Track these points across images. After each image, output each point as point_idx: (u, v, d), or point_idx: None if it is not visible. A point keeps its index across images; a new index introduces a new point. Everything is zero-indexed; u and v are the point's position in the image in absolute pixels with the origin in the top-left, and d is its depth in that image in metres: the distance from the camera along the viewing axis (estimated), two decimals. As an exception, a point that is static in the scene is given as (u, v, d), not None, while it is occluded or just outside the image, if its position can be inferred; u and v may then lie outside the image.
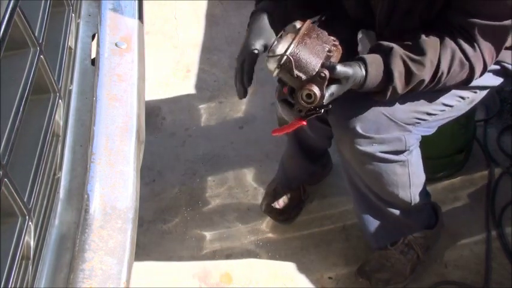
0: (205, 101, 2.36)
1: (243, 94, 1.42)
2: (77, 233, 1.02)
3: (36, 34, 1.05)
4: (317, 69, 1.21)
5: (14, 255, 0.87)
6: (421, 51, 1.29)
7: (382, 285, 1.72)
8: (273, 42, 1.26)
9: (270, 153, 2.14)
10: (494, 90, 1.61)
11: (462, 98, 1.49)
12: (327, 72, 1.21)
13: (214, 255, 1.87)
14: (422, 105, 1.45)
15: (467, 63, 1.32)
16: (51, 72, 1.10)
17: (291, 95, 1.27)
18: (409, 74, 1.30)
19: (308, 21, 1.29)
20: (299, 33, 1.24)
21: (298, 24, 1.28)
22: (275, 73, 1.24)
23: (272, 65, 1.23)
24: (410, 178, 1.54)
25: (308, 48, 1.23)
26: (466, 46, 1.30)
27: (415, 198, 1.60)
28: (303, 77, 1.22)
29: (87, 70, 1.33)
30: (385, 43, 1.32)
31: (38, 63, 1.03)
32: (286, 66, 1.21)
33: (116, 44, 1.32)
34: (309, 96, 1.23)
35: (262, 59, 1.32)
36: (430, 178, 1.82)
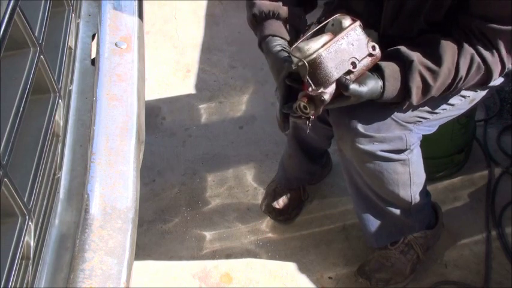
0: (205, 101, 2.36)
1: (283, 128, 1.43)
2: (77, 233, 1.02)
3: (36, 34, 1.05)
4: (328, 85, 1.23)
5: (14, 255, 0.87)
6: (439, 61, 1.29)
7: (382, 285, 1.72)
8: (311, 32, 1.28)
9: (270, 153, 2.14)
10: (494, 90, 1.62)
11: (463, 96, 1.49)
12: (326, 98, 1.24)
13: (214, 255, 1.87)
14: (423, 104, 1.45)
15: (483, 67, 1.32)
16: (51, 72, 1.10)
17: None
18: (426, 87, 1.31)
19: (356, 24, 1.27)
20: (337, 37, 1.24)
21: (346, 22, 1.27)
22: (294, 67, 1.27)
23: (294, 60, 1.25)
24: (411, 177, 1.54)
25: (334, 59, 1.23)
26: (484, 51, 1.30)
27: (416, 198, 1.60)
28: (312, 86, 1.24)
29: (87, 70, 1.33)
30: (406, 52, 1.30)
31: (38, 63, 1.04)
32: (302, 69, 1.23)
33: (116, 44, 1.32)
34: (305, 107, 1.26)
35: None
36: (430, 178, 1.82)
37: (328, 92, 1.24)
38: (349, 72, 1.26)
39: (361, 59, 1.27)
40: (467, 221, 1.88)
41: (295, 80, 1.31)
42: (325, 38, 1.25)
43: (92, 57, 1.36)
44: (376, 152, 1.44)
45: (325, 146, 1.84)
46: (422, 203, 1.64)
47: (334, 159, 2.00)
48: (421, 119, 1.47)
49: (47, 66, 1.08)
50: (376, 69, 1.30)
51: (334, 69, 1.24)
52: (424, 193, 1.65)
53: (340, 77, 1.24)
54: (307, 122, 1.30)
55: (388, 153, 1.46)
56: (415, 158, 1.52)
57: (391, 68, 1.30)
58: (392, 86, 1.30)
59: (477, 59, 1.30)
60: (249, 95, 2.37)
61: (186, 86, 2.43)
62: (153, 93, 2.38)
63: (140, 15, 1.44)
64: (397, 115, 1.42)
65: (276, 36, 1.42)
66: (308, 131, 1.68)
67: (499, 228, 1.84)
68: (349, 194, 1.68)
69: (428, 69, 1.29)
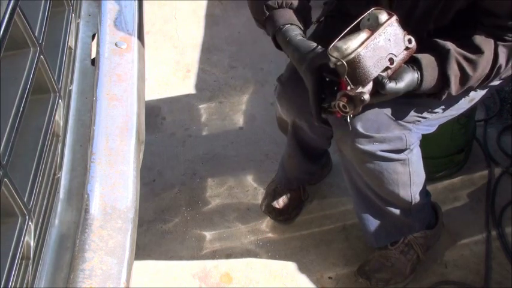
0: (205, 101, 2.36)
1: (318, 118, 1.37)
2: (77, 233, 1.02)
3: (36, 34, 1.05)
4: (366, 83, 1.23)
5: (14, 255, 0.87)
6: (477, 50, 1.30)
7: (382, 285, 1.72)
8: (351, 27, 1.26)
9: (270, 153, 2.14)
10: (494, 90, 1.62)
11: (463, 96, 1.49)
12: (366, 98, 1.22)
13: (214, 255, 1.87)
14: (422, 104, 1.45)
15: None
16: (51, 72, 1.10)
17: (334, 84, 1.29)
18: (465, 76, 1.31)
19: (393, 18, 1.26)
20: (374, 34, 1.23)
21: (383, 17, 1.25)
22: (331, 64, 1.25)
23: (332, 60, 1.24)
24: (411, 177, 1.54)
25: (372, 57, 1.23)
26: None
27: (416, 198, 1.60)
28: (351, 86, 1.23)
29: (87, 70, 1.33)
30: (441, 42, 1.31)
31: (38, 63, 1.03)
32: (341, 68, 1.23)
33: (116, 44, 1.32)
34: (344, 107, 1.25)
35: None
36: (430, 178, 1.82)
37: (367, 91, 1.24)
38: (386, 68, 1.26)
39: (398, 54, 1.27)
40: (467, 221, 1.88)
41: (331, 72, 1.29)
42: (362, 35, 1.24)
43: (92, 57, 1.36)
44: (375, 152, 1.44)
45: (325, 146, 1.84)
46: (422, 203, 1.64)
47: (334, 159, 2.00)
48: (421, 119, 1.47)
49: (47, 66, 1.08)
50: (412, 61, 1.30)
51: (373, 67, 1.23)
52: (424, 193, 1.65)
53: (377, 75, 1.24)
54: (347, 119, 1.29)
55: (388, 153, 1.46)
56: (415, 157, 1.52)
57: (427, 59, 1.30)
58: (431, 76, 1.30)
59: None
60: (249, 95, 2.37)
61: (186, 86, 2.43)
62: (153, 93, 2.38)
63: (140, 15, 1.44)
64: (396, 115, 1.42)
65: (294, 24, 1.39)
66: (309, 133, 1.68)
67: (499, 228, 1.84)
68: (349, 194, 1.68)
69: (466, 58, 1.30)
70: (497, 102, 2.19)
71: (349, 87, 1.24)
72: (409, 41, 1.27)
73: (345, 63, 1.21)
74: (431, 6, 1.32)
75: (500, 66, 1.33)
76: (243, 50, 2.54)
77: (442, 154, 1.93)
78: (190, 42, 2.62)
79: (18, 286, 0.88)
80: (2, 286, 0.82)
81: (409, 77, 1.28)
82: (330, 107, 1.30)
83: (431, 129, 1.55)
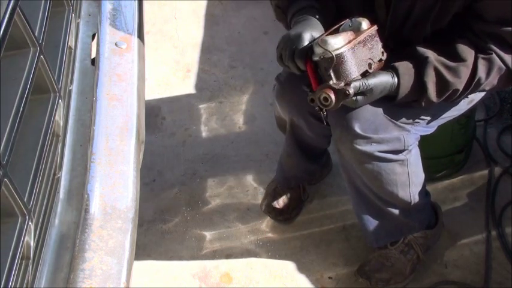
0: (205, 101, 2.36)
1: (297, 70, 1.35)
2: (77, 233, 1.02)
3: (36, 34, 1.05)
4: (347, 81, 1.26)
5: (14, 255, 0.87)
6: (456, 58, 1.31)
7: (382, 285, 1.71)
8: (332, 30, 1.30)
9: (270, 153, 2.14)
10: (494, 90, 1.61)
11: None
12: (351, 92, 1.25)
13: (214, 255, 1.87)
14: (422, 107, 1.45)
15: (505, 68, 1.33)
16: (51, 72, 1.10)
17: (314, 79, 1.30)
18: (443, 83, 1.33)
19: (374, 27, 1.32)
20: (359, 38, 1.28)
21: (365, 25, 1.31)
22: (316, 58, 1.27)
23: (318, 51, 1.26)
24: (409, 177, 1.54)
25: (356, 57, 1.27)
26: (503, 54, 1.31)
27: (415, 198, 1.60)
28: (334, 80, 1.26)
29: (87, 70, 1.33)
30: (421, 50, 1.34)
31: (38, 63, 1.04)
32: (328, 61, 1.25)
33: (116, 44, 1.32)
34: (325, 99, 1.27)
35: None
36: (430, 178, 1.82)
37: (353, 87, 1.26)
38: (366, 72, 1.30)
39: (374, 62, 1.32)
40: (467, 221, 1.88)
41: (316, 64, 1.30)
42: (349, 35, 1.28)
43: (92, 57, 1.36)
44: (374, 152, 1.44)
45: (323, 145, 1.84)
46: (422, 203, 1.64)
47: (334, 159, 2.00)
48: (419, 120, 1.47)
49: (47, 66, 1.08)
50: (390, 68, 1.34)
51: (356, 67, 1.27)
52: (424, 193, 1.65)
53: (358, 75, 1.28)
54: (322, 113, 1.32)
55: (386, 154, 1.46)
56: (414, 158, 1.52)
57: (404, 66, 1.33)
58: (407, 82, 1.33)
59: (497, 61, 1.32)
60: (249, 95, 2.37)
61: (186, 86, 2.43)
62: (153, 93, 2.38)
63: (140, 15, 1.44)
64: (394, 116, 1.42)
65: (315, 9, 1.40)
66: (307, 132, 1.69)
67: (499, 228, 1.84)
68: (348, 194, 1.68)
69: (444, 65, 1.31)
70: (497, 102, 2.19)
71: (331, 82, 1.26)
72: (383, 54, 1.33)
73: (334, 55, 1.23)
74: (429, 8, 1.32)
75: (479, 79, 1.33)
76: (243, 50, 2.54)
77: (442, 154, 1.93)
78: (190, 42, 2.62)
79: (18, 286, 0.88)
80: (2, 286, 0.82)
81: (384, 78, 1.31)
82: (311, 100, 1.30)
83: (430, 130, 1.55)
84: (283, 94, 1.62)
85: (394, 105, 1.40)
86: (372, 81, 1.30)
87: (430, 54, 1.32)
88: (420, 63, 1.33)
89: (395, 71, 1.33)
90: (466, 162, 2.03)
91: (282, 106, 1.67)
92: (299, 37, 1.31)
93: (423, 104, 1.37)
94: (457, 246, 1.83)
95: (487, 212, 1.89)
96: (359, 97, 1.31)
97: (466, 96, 1.46)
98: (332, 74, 1.26)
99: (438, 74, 1.32)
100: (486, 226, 1.86)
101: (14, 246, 0.87)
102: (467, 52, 1.32)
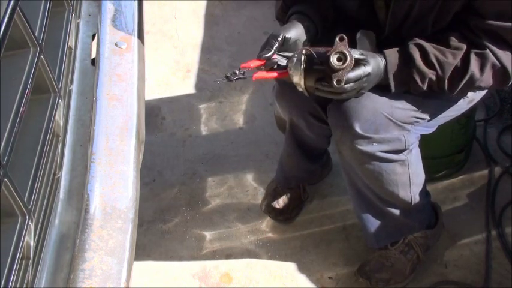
0: (205, 101, 2.36)
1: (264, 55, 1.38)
2: (77, 233, 1.02)
3: (36, 34, 1.05)
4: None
5: (14, 255, 0.87)
6: (445, 43, 1.33)
7: (382, 285, 1.71)
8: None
9: (270, 153, 2.14)
10: (494, 90, 1.62)
11: (461, 97, 1.49)
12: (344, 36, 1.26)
13: (214, 255, 1.87)
14: (421, 105, 1.45)
15: (499, 65, 1.33)
16: (51, 72, 1.10)
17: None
18: (427, 55, 1.33)
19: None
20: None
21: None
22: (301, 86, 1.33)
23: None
24: (410, 177, 1.54)
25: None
26: (497, 50, 1.31)
27: (415, 198, 1.60)
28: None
29: (87, 70, 1.33)
30: (410, 40, 1.36)
31: (38, 63, 1.04)
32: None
33: (116, 44, 1.32)
34: (339, 59, 1.27)
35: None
36: (430, 178, 1.82)
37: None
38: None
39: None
40: (467, 221, 1.88)
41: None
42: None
43: (92, 57, 1.36)
44: (375, 152, 1.44)
45: (323, 145, 1.84)
46: (422, 203, 1.64)
47: (334, 159, 2.00)
48: (419, 120, 1.47)
49: (47, 66, 1.08)
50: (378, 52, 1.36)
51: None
52: (424, 193, 1.65)
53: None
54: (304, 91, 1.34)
55: (387, 154, 1.46)
56: (414, 158, 1.52)
57: (390, 50, 1.36)
58: (394, 59, 1.35)
59: (491, 56, 1.31)
60: (249, 95, 2.37)
61: (186, 86, 2.43)
62: (153, 93, 2.38)
63: (140, 15, 1.44)
64: (395, 116, 1.42)
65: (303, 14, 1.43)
66: (307, 132, 1.69)
67: (499, 228, 1.84)
68: (348, 194, 1.68)
69: (433, 46, 1.33)
70: (497, 102, 2.19)
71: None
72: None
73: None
74: (429, 8, 1.32)
75: (473, 74, 1.33)
76: (243, 50, 2.54)
77: (442, 154, 1.93)
78: (190, 42, 2.62)
79: (18, 286, 0.88)
80: (2, 286, 0.82)
81: (375, 56, 1.33)
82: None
83: (430, 130, 1.55)
84: (282, 94, 1.62)
85: (392, 96, 1.40)
86: (368, 59, 1.31)
87: (418, 40, 1.34)
88: (405, 45, 1.35)
89: (381, 53, 1.35)
90: (466, 162, 2.03)
91: (282, 106, 1.67)
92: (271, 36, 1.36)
93: (418, 80, 1.35)
94: (457, 246, 1.83)
95: (487, 212, 1.89)
96: (357, 69, 1.29)
97: (465, 95, 1.46)
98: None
99: (423, 48, 1.33)
100: (486, 226, 1.86)
101: (14, 246, 0.87)
102: (458, 44, 1.32)
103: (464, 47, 1.32)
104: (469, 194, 1.96)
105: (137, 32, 1.38)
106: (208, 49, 2.58)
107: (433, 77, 1.34)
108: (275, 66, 1.37)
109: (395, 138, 1.44)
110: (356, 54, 1.29)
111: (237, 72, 1.35)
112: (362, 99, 1.40)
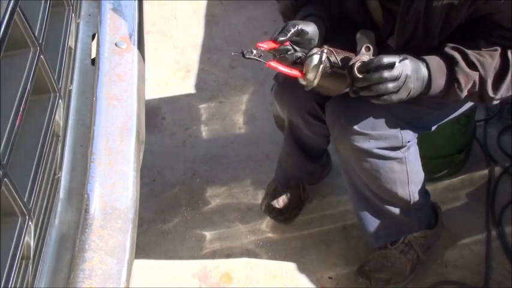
0: (205, 101, 2.36)
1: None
2: (77, 233, 1.02)
3: (36, 34, 1.05)
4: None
5: (14, 255, 0.87)
6: (479, 49, 1.31)
7: (382, 285, 1.72)
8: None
9: (270, 153, 2.14)
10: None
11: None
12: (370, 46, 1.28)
13: (214, 255, 1.87)
14: (419, 103, 1.45)
15: None
16: (51, 72, 1.10)
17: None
18: (467, 57, 1.30)
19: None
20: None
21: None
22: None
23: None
24: (408, 175, 1.54)
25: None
26: None
27: (414, 196, 1.60)
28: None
29: (87, 70, 1.33)
30: (449, 50, 1.32)
31: (38, 63, 1.04)
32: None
33: (116, 44, 1.32)
34: (367, 48, 1.28)
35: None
36: (430, 178, 1.82)
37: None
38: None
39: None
40: (467, 221, 1.88)
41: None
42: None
43: (92, 57, 1.36)
44: (372, 149, 1.44)
45: (322, 145, 1.84)
46: (422, 202, 1.64)
47: (334, 159, 2.00)
48: (417, 117, 1.47)
49: (47, 66, 1.08)
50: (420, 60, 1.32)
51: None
52: (423, 192, 1.65)
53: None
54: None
55: (384, 151, 1.46)
56: (412, 156, 1.52)
57: (431, 57, 1.32)
58: (435, 61, 1.31)
59: None
60: (249, 95, 2.37)
61: (186, 86, 2.43)
62: (153, 93, 2.38)
63: (140, 15, 1.44)
64: (392, 113, 1.43)
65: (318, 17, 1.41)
66: (306, 131, 1.68)
67: (499, 228, 1.84)
68: (348, 194, 1.68)
69: (470, 48, 1.30)
70: (497, 102, 2.19)
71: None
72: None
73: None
74: (432, 27, 1.32)
75: (504, 80, 1.31)
76: (243, 50, 2.54)
77: (442, 154, 1.93)
78: (190, 42, 2.62)
79: (18, 286, 0.88)
80: (2, 286, 0.82)
81: (415, 63, 1.29)
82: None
83: (429, 128, 1.55)
84: (281, 93, 1.62)
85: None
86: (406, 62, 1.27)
87: (453, 44, 1.31)
88: (443, 49, 1.31)
89: (423, 60, 1.30)
90: (466, 162, 2.03)
91: (281, 105, 1.67)
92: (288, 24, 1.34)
93: (462, 82, 1.31)
94: (457, 246, 1.83)
95: (487, 212, 1.89)
96: (398, 84, 1.27)
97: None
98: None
99: (462, 52, 1.29)
100: (486, 226, 1.86)
101: (14, 246, 0.87)
102: (490, 46, 1.31)
103: (498, 48, 1.31)
104: (469, 193, 1.96)
105: (137, 32, 1.38)
106: (208, 49, 2.58)
107: (476, 78, 1.31)
108: (287, 54, 1.34)
109: (392, 135, 1.44)
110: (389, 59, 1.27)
111: (254, 51, 1.33)
112: (359, 96, 1.39)
